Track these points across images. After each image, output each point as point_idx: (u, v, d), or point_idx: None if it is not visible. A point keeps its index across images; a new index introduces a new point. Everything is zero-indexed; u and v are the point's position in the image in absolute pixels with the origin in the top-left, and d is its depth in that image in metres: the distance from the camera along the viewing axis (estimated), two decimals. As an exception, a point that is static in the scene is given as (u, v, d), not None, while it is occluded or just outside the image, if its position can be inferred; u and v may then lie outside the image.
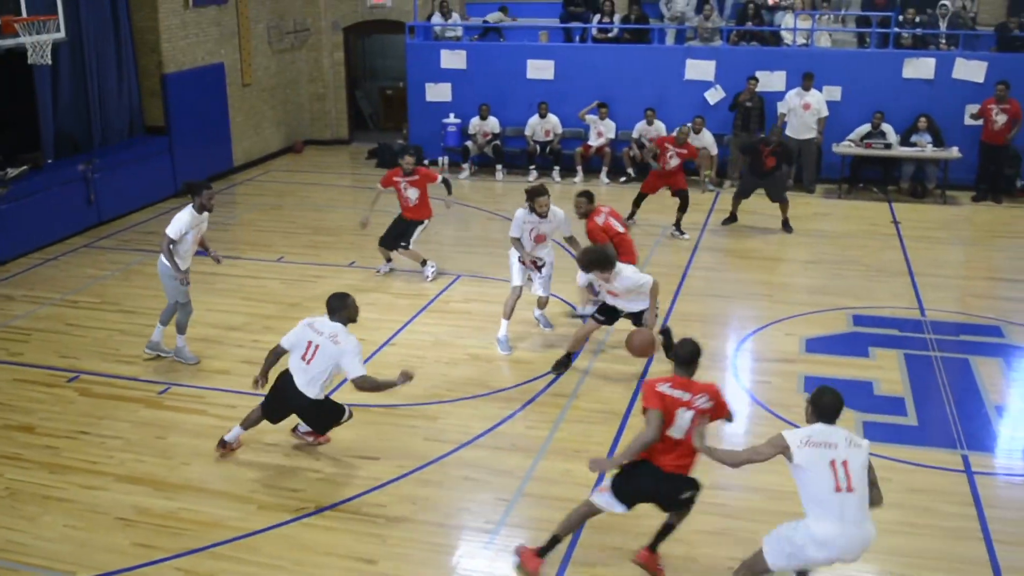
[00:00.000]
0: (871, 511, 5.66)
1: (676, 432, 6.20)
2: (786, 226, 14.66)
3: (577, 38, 18.97)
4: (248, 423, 8.07)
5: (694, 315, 11.17)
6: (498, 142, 18.25)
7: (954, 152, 16.45)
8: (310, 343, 7.62)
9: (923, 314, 11.33)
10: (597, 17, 18.72)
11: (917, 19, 17.68)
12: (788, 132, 16.67)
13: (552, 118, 17.96)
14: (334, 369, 7.62)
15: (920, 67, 17.03)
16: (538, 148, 18.05)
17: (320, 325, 7.68)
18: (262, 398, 8.05)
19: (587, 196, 10.37)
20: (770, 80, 17.25)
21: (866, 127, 16.87)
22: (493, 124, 18.22)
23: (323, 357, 7.56)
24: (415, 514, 7.35)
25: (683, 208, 14.38)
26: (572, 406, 9.05)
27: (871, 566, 6.71)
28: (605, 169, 17.69)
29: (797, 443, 5.67)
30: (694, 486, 6.41)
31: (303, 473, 7.94)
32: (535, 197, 10.20)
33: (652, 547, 6.76)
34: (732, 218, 14.99)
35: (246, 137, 18.88)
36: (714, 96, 17.64)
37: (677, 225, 14.44)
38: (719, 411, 6.37)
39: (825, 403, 5.86)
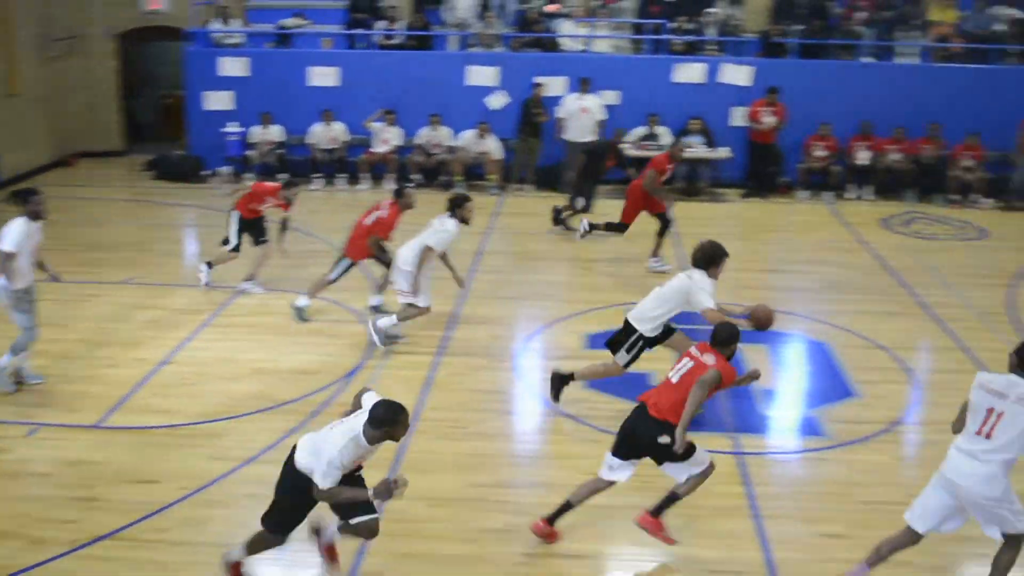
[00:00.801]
0: None
1: (674, 375, 6.82)
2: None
3: (362, 45, 18.92)
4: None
5: (480, 318, 11.34)
6: (282, 151, 17.98)
7: (724, 152, 17.34)
8: None
9: (696, 306, 11.89)
10: (382, 23, 18.73)
11: (688, 26, 18.51)
12: (568, 136, 17.18)
13: (337, 126, 17.85)
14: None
15: (691, 72, 17.87)
16: (323, 156, 17.88)
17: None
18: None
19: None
20: (551, 85, 17.68)
21: (642, 129, 17.57)
22: (276, 132, 17.95)
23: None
24: (198, 536, 7.15)
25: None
26: (358, 414, 9.02)
27: (647, 550, 7.00)
28: (391, 176, 17.72)
29: None
30: (672, 433, 6.64)
31: (77, 503, 7.56)
32: (464, 203, 10.11)
33: (654, 512, 6.97)
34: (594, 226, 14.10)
35: (14, 150, 17.88)
36: (497, 101, 17.94)
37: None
38: (724, 380, 6.76)
39: None
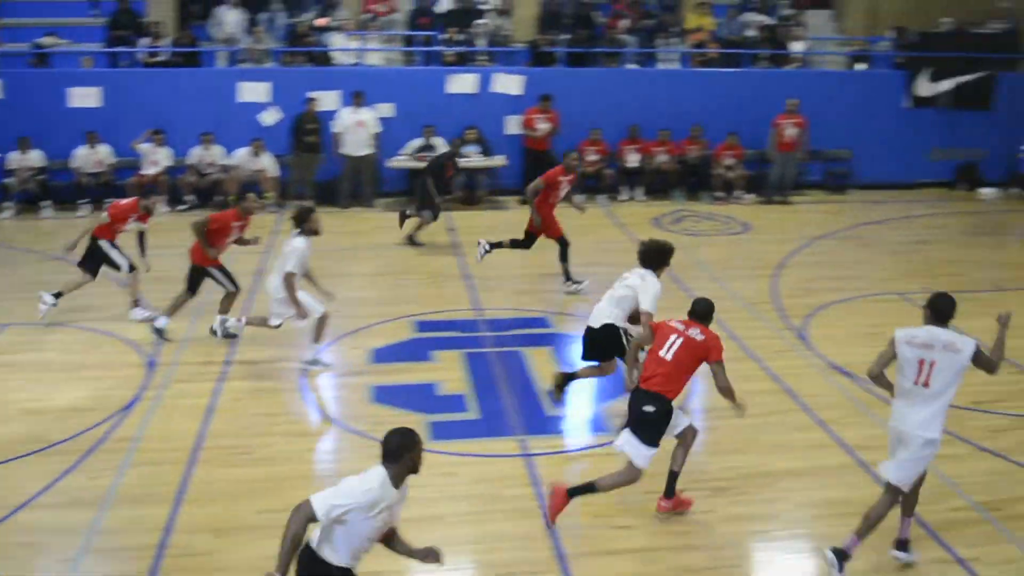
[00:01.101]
0: None
1: (665, 352, 7.30)
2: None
3: (125, 63, 18.19)
4: None
5: (264, 337, 11.09)
6: (43, 177, 17.04)
7: (501, 160, 17.66)
8: None
9: (479, 314, 12.06)
10: (145, 40, 18.05)
11: (458, 37, 18.73)
12: (345, 150, 17.10)
13: (102, 148, 17.08)
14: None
15: (463, 82, 18.09)
16: (89, 180, 17.05)
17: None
18: None
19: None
20: (324, 100, 17.51)
21: (418, 141, 17.65)
22: (36, 158, 16.99)
23: None
24: (-35, 593, 6.72)
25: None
26: (137, 448, 8.65)
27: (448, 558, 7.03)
28: (163, 197, 17.09)
29: None
30: (661, 404, 7.24)
31: None
32: (308, 216, 9.88)
33: (667, 494, 7.62)
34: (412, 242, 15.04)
35: None
36: (270, 118, 17.63)
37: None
38: (708, 351, 7.32)
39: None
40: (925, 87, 19.67)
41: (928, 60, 19.57)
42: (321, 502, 5.19)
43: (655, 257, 8.91)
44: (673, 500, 7.68)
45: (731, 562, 7.16)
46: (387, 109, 17.76)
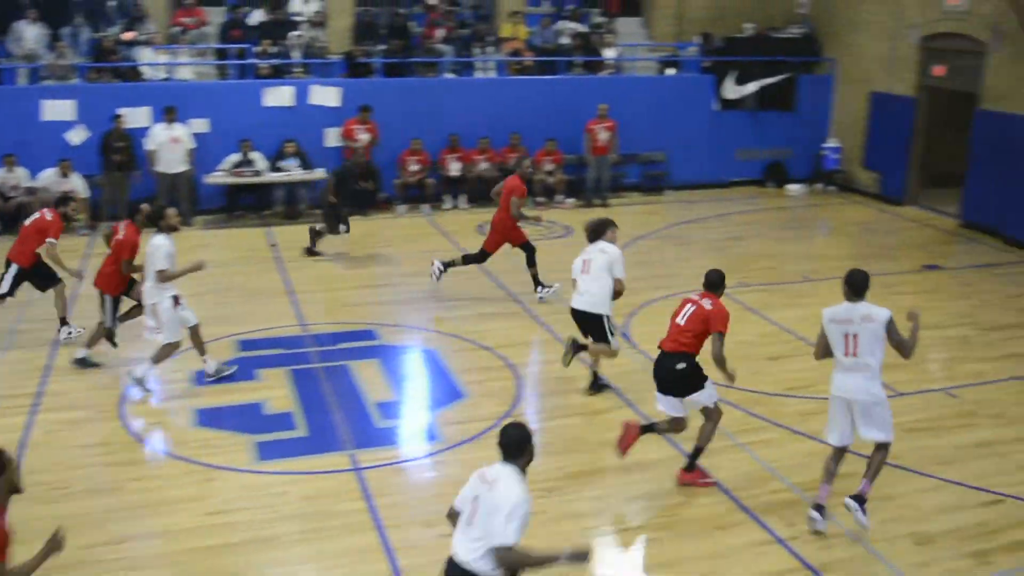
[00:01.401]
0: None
1: (680, 319, 8.11)
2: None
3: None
4: None
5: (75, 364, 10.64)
6: None
7: (320, 173, 17.44)
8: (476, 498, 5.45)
9: (304, 329, 11.89)
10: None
11: (272, 50, 18.42)
12: (159, 168, 16.60)
13: None
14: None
15: (279, 95, 17.81)
16: None
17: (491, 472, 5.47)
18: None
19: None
20: (134, 116, 16.93)
21: (236, 156, 17.28)
22: None
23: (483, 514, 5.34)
24: None
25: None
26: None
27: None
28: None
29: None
30: (688, 360, 8.01)
31: None
32: (164, 212, 9.82)
33: (688, 468, 8.28)
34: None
35: None
36: (77, 136, 16.93)
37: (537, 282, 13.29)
38: (709, 320, 7.95)
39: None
40: (732, 90, 20.54)
41: (733, 64, 20.43)
42: (515, 535, 5.18)
43: (600, 228, 10.09)
44: (694, 473, 8.29)
45: (564, 560, 7.26)
46: (202, 124, 17.31)
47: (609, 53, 20.22)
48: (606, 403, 9.96)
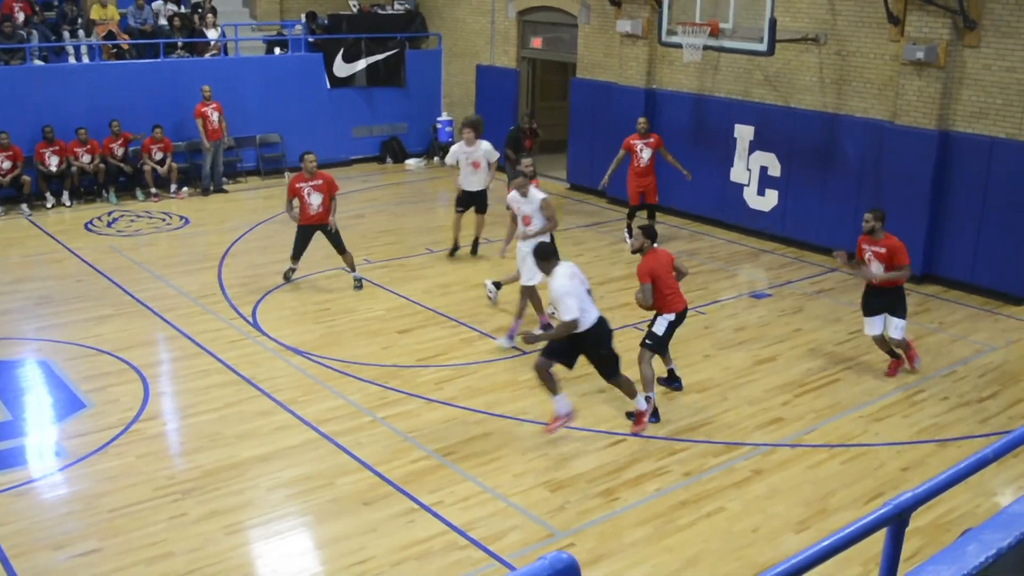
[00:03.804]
0: None
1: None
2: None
3: None
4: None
5: None
6: None
7: None
8: None
9: None
10: None
11: None
12: None
13: None
14: None
15: None
16: None
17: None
18: None
19: None
20: None
21: None
22: None
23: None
24: None
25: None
26: None
27: None
28: None
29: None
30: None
31: None
32: None
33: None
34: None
35: None
36: None
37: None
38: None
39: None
40: (341, 68, 20.57)
41: (340, 42, 20.45)
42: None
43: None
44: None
45: (212, 560, 7.03)
46: None
47: (212, 34, 19.57)
48: (241, 394, 9.71)
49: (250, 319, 11.75)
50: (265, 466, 8.33)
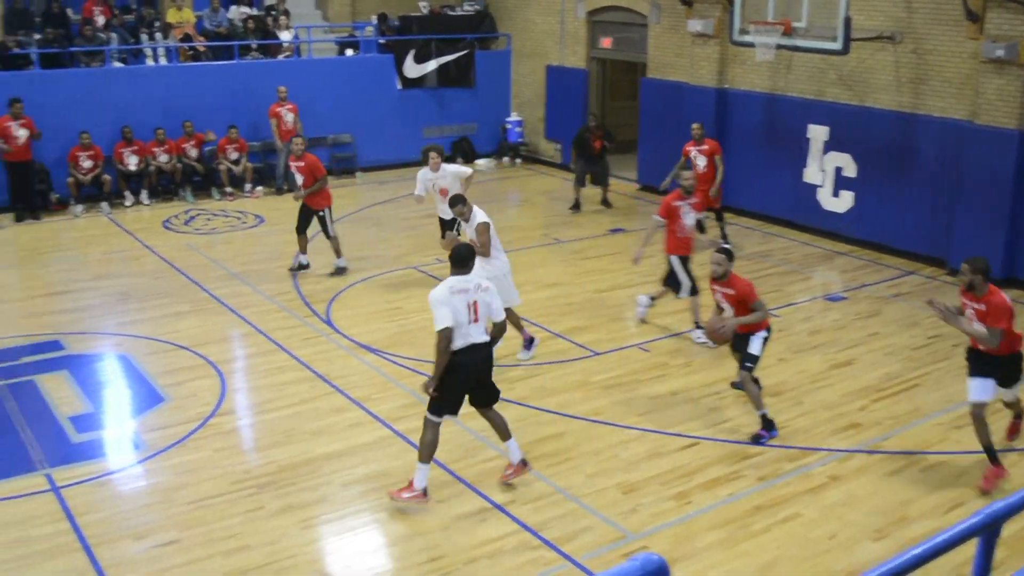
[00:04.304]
0: None
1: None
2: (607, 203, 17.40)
3: None
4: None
5: None
6: None
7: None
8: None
9: (-20, 346, 10.95)
10: None
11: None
12: None
13: None
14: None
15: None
16: None
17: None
18: None
19: None
20: None
21: None
22: None
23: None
24: None
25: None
26: None
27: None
28: None
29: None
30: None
31: None
32: None
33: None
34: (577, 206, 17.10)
35: None
36: None
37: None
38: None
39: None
40: (412, 69, 20.71)
41: (411, 43, 20.59)
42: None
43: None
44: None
45: (286, 554, 7.12)
46: None
47: (285, 36, 19.83)
48: (315, 391, 9.83)
49: (324, 317, 11.88)
50: (339, 462, 8.42)
